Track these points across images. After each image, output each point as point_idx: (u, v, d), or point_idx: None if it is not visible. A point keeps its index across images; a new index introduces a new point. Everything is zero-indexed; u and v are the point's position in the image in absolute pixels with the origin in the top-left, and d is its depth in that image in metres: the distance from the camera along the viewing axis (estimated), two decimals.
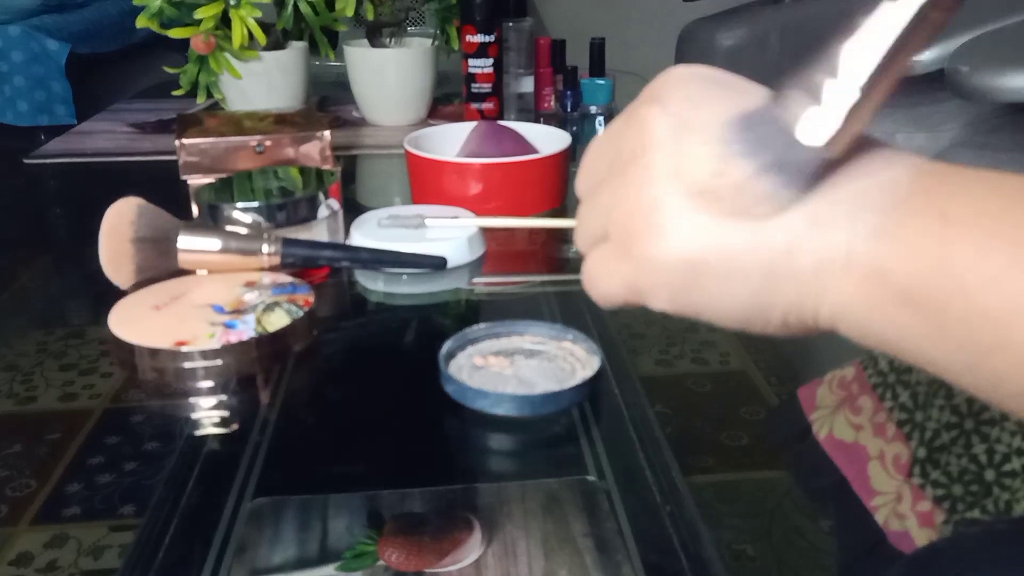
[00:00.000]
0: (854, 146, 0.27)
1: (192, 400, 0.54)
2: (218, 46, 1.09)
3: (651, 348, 0.60)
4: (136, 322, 0.57)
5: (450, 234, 0.71)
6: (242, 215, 0.66)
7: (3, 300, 0.71)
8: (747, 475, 0.47)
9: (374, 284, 0.70)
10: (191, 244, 0.63)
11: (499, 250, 0.76)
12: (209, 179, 0.73)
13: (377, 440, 0.50)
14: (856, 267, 0.25)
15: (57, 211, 1.02)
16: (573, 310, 0.65)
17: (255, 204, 0.66)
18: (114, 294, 0.62)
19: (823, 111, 0.25)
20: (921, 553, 0.40)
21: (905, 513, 0.42)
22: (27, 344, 0.63)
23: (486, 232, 0.75)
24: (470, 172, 0.81)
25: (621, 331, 0.62)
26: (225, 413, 0.53)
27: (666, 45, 2.06)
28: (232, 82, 1.12)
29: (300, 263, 0.66)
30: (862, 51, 0.24)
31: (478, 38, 1.09)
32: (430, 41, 1.23)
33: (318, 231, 0.69)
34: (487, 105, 1.12)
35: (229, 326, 0.56)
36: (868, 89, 0.24)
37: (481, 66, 1.10)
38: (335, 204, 0.71)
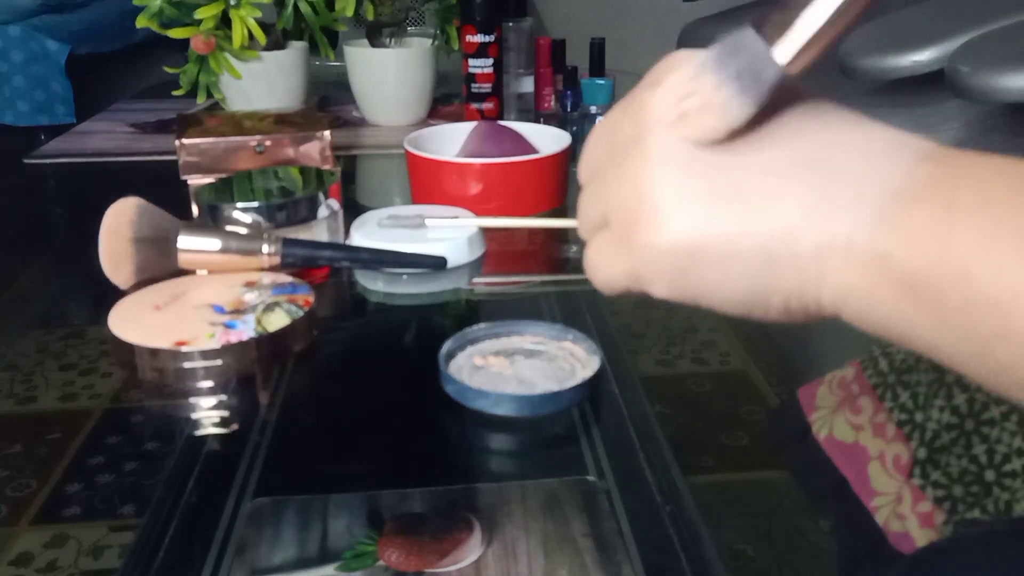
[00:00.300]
0: (860, 128, 0.26)
1: (192, 400, 0.54)
2: (218, 46, 1.09)
3: (651, 348, 0.60)
4: (136, 322, 0.57)
5: (450, 234, 0.71)
6: (242, 215, 0.66)
7: (3, 300, 0.71)
8: (747, 475, 0.47)
9: (374, 284, 0.70)
10: (191, 244, 0.63)
11: (499, 250, 0.76)
12: (209, 179, 0.73)
13: (377, 440, 0.50)
14: (858, 253, 0.25)
15: (57, 211, 1.02)
16: (573, 310, 0.65)
17: (255, 204, 0.66)
18: (114, 294, 0.62)
19: (791, 33, 0.25)
20: (921, 553, 0.40)
21: (905, 514, 0.42)
22: (27, 344, 0.63)
23: (486, 232, 0.75)
24: (470, 172, 0.81)
25: (621, 331, 0.62)
26: (225, 413, 0.53)
27: (666, 45, 2.05)
28: (232, 82, 1.12)
29: (300, 263, 0.66)
30: None
31: (478, 38, 1.09)
32: (430, 41, 1.23)
33: (318, 231, 0.69)
34: (487, 105, 1.12)
35: (229, 326, 0.56)
36: (834, 16, 0.24)
37: (481, 66, 1.10)
38: (335, 204, 0.71)
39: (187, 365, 0.55)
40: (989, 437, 0.45)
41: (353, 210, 0.75)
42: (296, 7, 1.16)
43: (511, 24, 1.17)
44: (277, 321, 0.57)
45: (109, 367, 0.58)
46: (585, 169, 0.32)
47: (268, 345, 0.56)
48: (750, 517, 0.43)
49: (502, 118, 1.14)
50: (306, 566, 0.39)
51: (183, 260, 0.63)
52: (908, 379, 0.51)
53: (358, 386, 0.56)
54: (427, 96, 1.23)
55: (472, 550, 0.40)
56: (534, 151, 0.85)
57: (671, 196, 0.27)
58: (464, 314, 0.68)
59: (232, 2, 1.06)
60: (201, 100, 1.13)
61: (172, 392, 0.55)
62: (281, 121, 0.82)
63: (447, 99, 1.34)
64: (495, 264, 0.74)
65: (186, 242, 0.63)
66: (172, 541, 0.41)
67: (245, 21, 1.06)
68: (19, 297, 0.72)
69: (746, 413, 0.53)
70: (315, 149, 0.78)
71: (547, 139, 0.89)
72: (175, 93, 1.12)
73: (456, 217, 0.73)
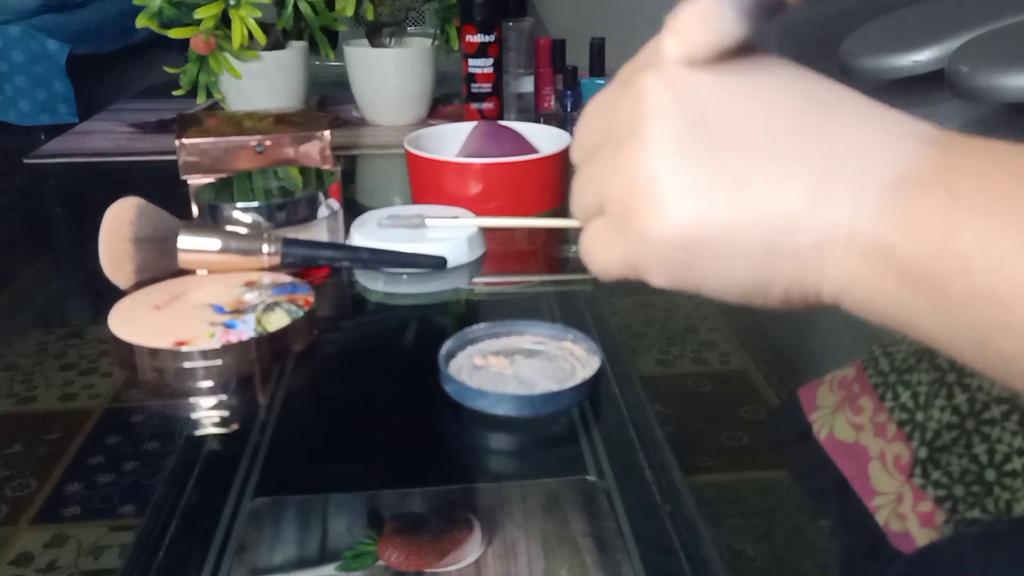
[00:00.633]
0: (864, 110, 0.26)
1: (192, 400, 0.54)
2: (218, 46, 1.09)
3: (651, 348, 0.60)
4: (136, 322, 0.57)
5: (450, 234, 0.71)
6: (242, 215, 0.66)
7: (3, 300, 0.71)
8: (747, 475, 0.47)
9: (374, 284, 0.70)
10: (191, 244, 0.63)
11: (499, 250, 0.76)
12: (209, 179, 0.73)
13: (377, 440, 0.50)
14: (859, 244, 0.25)
15: (57, 211, 1.02)
16: (573, 310, 0.65)
17: (255, 204, 0.66)
18: (114, 294, 0.62)
19: None
20: (922, 553, 0.40)
21: (906, 513, 0.42)
22: (27, 344, 0.62)
23: (486, 232, 0.75)
24: (470, 172, 0.81)
25: (621, 331, 0.62)
26: (225, 413, 0.53)
27: None
28: (232, 82, 1.12)
29: (300, 263, 0.66)
30: None
31: (478, 38, 1.09)
32: (430, 41, 1.23)
33: (318, 231, 0.69)
34: (487, 105, 1.12)
35: (229, 326, 0.56)
36: None
37: (481, 66, 1.10)
38: (335, 204, 0.71)
39: (187, 365, 0.55)
40: (990, 437, 0.45)
41: (353, 210, 0.75)
42: (296, 7, 1.16)
43: (511, 24, 1.17)
44: (277, 321, 0.57)
45: (109, 367, 0.58)
46: (578, 150, 0.32)
47: (268, 345, 0.56)
48: (750, 517, 0.43)
49: (502, 118, 1.14)
50: (306, 566, 0.39)
51: (183, 260, 0.63)
52: (909, 379, 0.51)
53: (358, 386, 0.56)
54: (427, 96, 1.23)
55: (472, 550, 0.40)
56: (534, 151, 0.85)
57: (669, 186, 0.26)
58: (464, 314, 0.68)
59: (232, 2, 1.06)
60: (201, 100, 1.13)
61: (172, 392, 0.55)
62: (281, 121, 0.82)
63: (447, 99, 1.34)
64: (495, 264, 0.74)
65: (186, 242, 0.63)
66: (172, 541, 0.41)
67: (245, 21, 1.06)
68: (19, 297, 0.72)
69: (746, 413, 0.53)
70: (315, 149, 0.78)
71: (547, 139, 0.89)
72: (175, 93, 1.12)
73: (456, 217, 0.73)
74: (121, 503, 0.44)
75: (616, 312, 0.65)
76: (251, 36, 1.08)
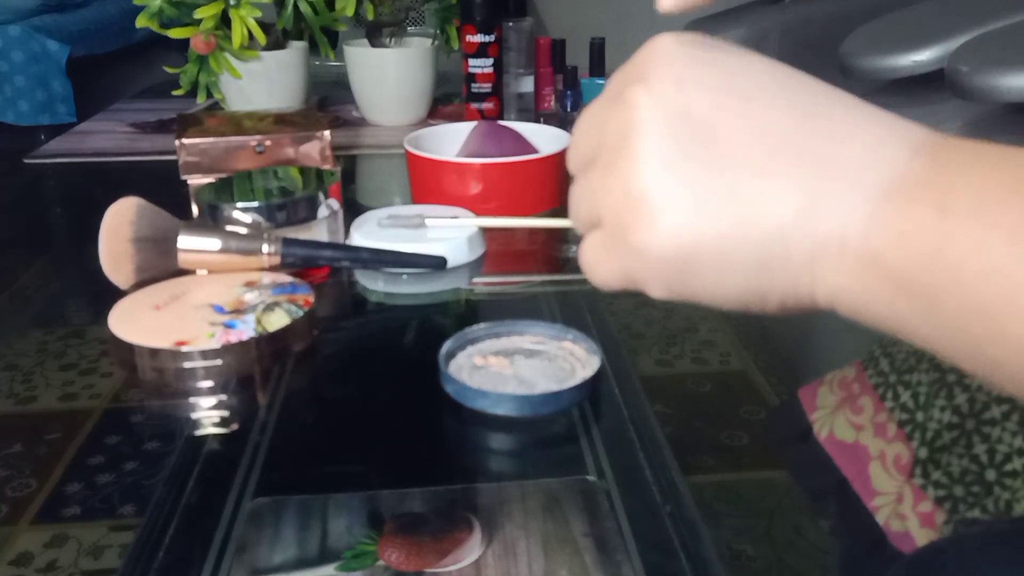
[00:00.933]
0: (855, 113, 0.26)
1: (192, 400, 0.54)
2: (218, 46, 1.09)
3: (651, 348, 0.60)
4: (136, 322, 0.57)
5: (450, 234, 0.71)
6: (242, 215, 0.66)
7: (3, 300, 0.71)
8: (747, 475, 0.47)
9: (374, 284, 0.70)
10: (191, 244, 0.63)
11: (499, 250, 0.76)
12: (209, 179, 0.73)
13: (377, 440, 0.50)
14: (851, 254, 0.25)
15: (57, 211, 1.02)
16: (573, 310, 0.65)
17: (255, 204, 0.66)
18: (114, 294, 0.62)
19: None
20: (922, 553, 0.40)
21: (906, 513, 0.42)
22: (27, 344, 0.62)
23: (486, 232, 0.75)
24: (470, 172, 0.81)
25: (621, 331, 0.62)
26: (225, 413, 0.53)
27: None
28: (232, 82, 1.12)
29: (300, 263, 0.66)
30: None
31: (478, 38, 1.09)
32: (430, 41, 1.23)
33: (318, 231, 0.69)
34: (487, 105, 1.12)
35: (229, 326, 0.56)
36: None
37: (481, 66, 1.10)
38: (335, 204, 0.71)
39: (187, 365, 0.55)
40: (990, 437, 0.45)
41: (353, 210, 0.75)
42: (296, 7, 1.16)
43: (511, 24, 1.17)
44: (277, 321, 0.57)
45: (109, 367, 0.58)
46: (573, 161, 0.32)
47: (268, 345, 0.56)
48: (750, 517, 0.43)
49: (502, 118, 1.14)
50: (306, 566, 0.39)
51: (183, 260, 0.63)
52: (909, 379, 0.51)
53: (358, 386, 0.56)
54: (427, 96, 1.23)
55: (472, 550, 0.40)
56: (534, 151, 0.85)
57: (661, 201, 0.27)
58: (464, 314, 0.68)
59: (232, 2, 1.06)
60: (201, 100, 1.13)
61: (172, 392, 0.55)
62: (281, 121, 0.82)
63: (447, 99, 1.34)
64: (495, 264, 0.74)
65: (186, 242, 0.63)
66: (172, 541, 0.41)
67: (245, 21, 1.06)
68: (19, 297, 0.72)
69: (746, 413, 0.53)
70: (315, 149, 0.78)
71: (547, 139, 0.89)
72: (175, 93, 1.12)
73: (456, 217, 0.73)
74: (121, 503, 0.44)
75: (616, 312, 0.65)
76: (251, 36, 1.08)
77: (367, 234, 0.71)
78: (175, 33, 1.07)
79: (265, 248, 0.64)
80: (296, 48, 1.17)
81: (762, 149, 0.26)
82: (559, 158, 0.83)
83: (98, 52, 1.74)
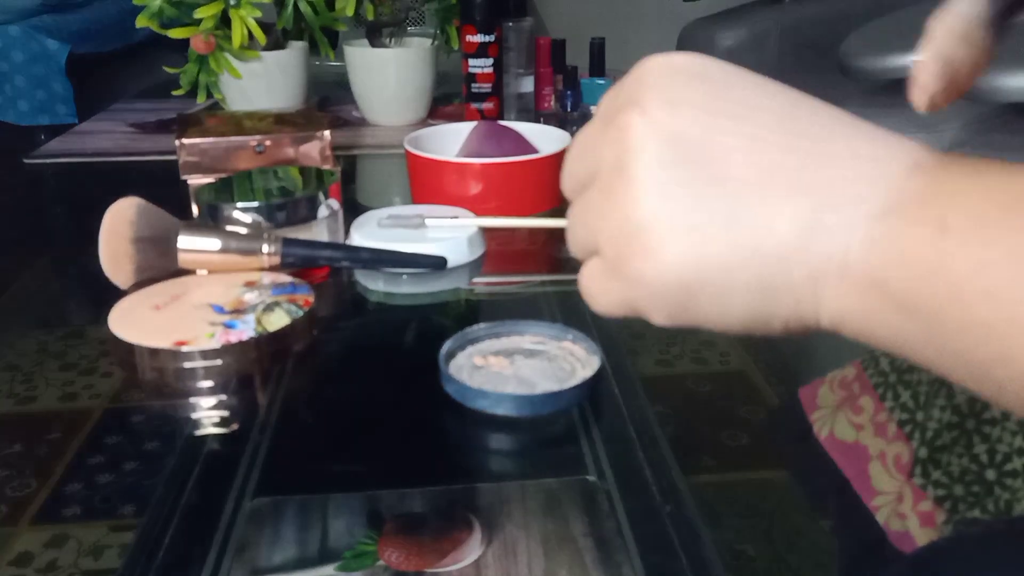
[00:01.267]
0: (850, 131, 0.26)
1: (192, 400, 0.54)
2: (218, 46, 1.09)
3: (651, 348, 0.60)
4: (136, 322, 0.57)
5: (450, 234, 0.71)
6: (242, 215, 0.66)
7: (3, 300, 0.71)
8: (747, 475, 0.47)
9: (374, 284, 0.70)
10: (191, 244, 0.63)
11: (499, 250, 0.76)
12: (209, 179, 0.73)
13: (377, 440, 0.50)
14: (852, 276, 0.25)
15: (57, 211, 1.02)
16: (573, 310, 0.65)
17: (255, 204, 0.66)
18: (114, 294, 0.62)
19: None
20: (922, 553, 0.40)
21: (906, 513, 0.42)
22: (27, 344, 0.62)
23: (486, 232, 0.75)
24: (470, 172, 0.81)
25: (621, 331, 0.62)
26: (225, 413, 0.53)
27: (666, 45, 2.06)
28: (232, 82, 1.12)
29: (300, 263, 0.66)
30: None
31: (478, 38, 1.09)
32: (430, 41, 1.23)
33: (318, 231, 0.69)
34: (487, 105, 1.12)
35: (229, 326, 0.56)
36: None
37: (481, 66, 1.10)
38: (335, 204, 0.71)
39: (187, 365, 0.55)
40: (990, 436, 0.45)
41: (353, 210, 0.75)
42: (296, 7, 1.16)
43: (511, 24, 1.17)
44: (277, 321, 0.57)
45: (109, 367, 0.58)
46: (568, 184, 0.32)
47: (268, 345, 0.56)
48: (750, 517, 0.43)
49: (502, 118, 1.14)
50: (306, 566, 0.39)
51: (183, 260, 0.63)
52: (909, 378, 0.51)
53: (358, 386, 0.56)
54: (427, 96, 1.23)
55: (472, 550, 0.40)
56: (534, 151, 0.85)
57: (660, 229, 0.26)
58: (464, 314, 0.68)
59: (232, 2, 1.06)
60: (201, 100, 1.13)
61: (172, 392, 0.55)
62: (281, 121, 0.82)
63: (447, 99, 1.34)
64: (495, 264, 0.74)
65: (186, 242, 0.63)
66: (172, 541, 0.41)
67: (245, 21, 1.06)
68: (19, 297, 0.72)
69: (746, 413, 0.53)
70: (315, 149, 0.78)
71: (547, 139, 0.89)
72: (175, 93, 1.12)
73: (456, 217, 0.73)
74: (121, 503, 0.44)
75: None
76: (251, 36, 1.08)
77: (367, 234, 0.71)
78: (175, 33, 1.07)
79: (265, 248, 0.64)
80: (296, 48, 1.17)
81: (760, 170, 0.26)
82: (559, 158, 0.83)
83: (98, 52, 1.74)
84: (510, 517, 0.42)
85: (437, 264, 0.69)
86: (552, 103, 1.28)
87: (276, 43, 1.16)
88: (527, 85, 1.22)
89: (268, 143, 0.77)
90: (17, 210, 0.97)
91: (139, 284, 0.63)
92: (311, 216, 0.68)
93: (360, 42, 1.23)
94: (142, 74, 1.65)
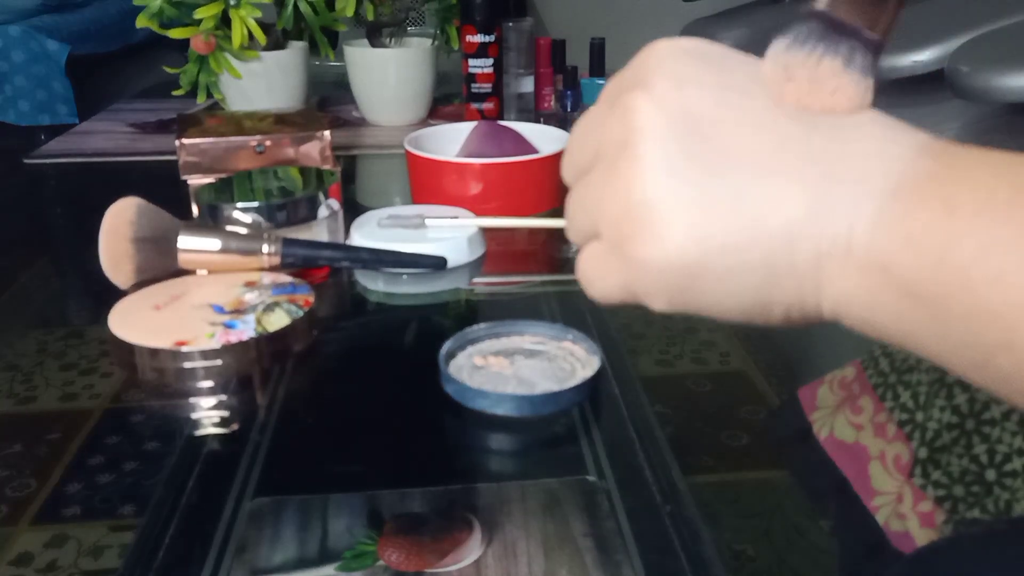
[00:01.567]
0: (854, 120, 0.26)
1: (192, 400, 0.54)
2: (218, 46, 1.09)
3: (651, 348, 0.60)
4: (136, 322, 0.57)
5: (450, 234, 0.71)
6: (242, 215, 0.66)
7: (3, 300, 0.71)
8: (747, 475, 0.47)
9: (374, 284, 0.70)
10: (191, 244, 0.63)
11: (499, 250, 0.76)
12: (209, 179, 0.73)
13: (377, 440, 0.50)
14: (857, 258, 0.24)
15: (57, 211, 1.02)
16: (573, 310, 0.65)
17: (255, 204, 0.66)
18: (114, 294, 0.62)
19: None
20: (921, 553, 0.40)
21: (906, 513, 0.42)
22: (27, 344, 0.62)
23: (486, 232, 0.75)
24: (470, 172, 0.81)
25: (621, 331, 0.62)
26: (225, 413, 0.53)
27: None
28: (232, 82, 1.12)
29: (300, 263, 0.66)
30: None
31: (478, 38, 1.09)
32: (430, 41, 1.23)
33: (318, 231, 0.69)
34: (487, 105, 1.12)
35: (229, 326, 0.56)
36: None
37: (481, 66, 1.10)
38: (335, 204, 0.71)
39: (187, 365, 0.55)
40: (990, 437, 0.45)
41: (353, 210, 0.75)
42: (296, 7, 1.16)
43: (511, 24, 1.17)
44: (277, 321, 0.57)
45: (109, 367, 0.58)
46: (568, 171, 0.31)
47: (268, 345, 0.56)
48: (750, 517, 0.43)
49: (502, 118, 1.14)
50: (306, 566, 0.39)
51: (183, 260, 0.63)
52: (909, 379, 0.51)
53: (358, 386, 0.56)
54: (427, 96, 1.23)
55: (472, 550, 0.40)
56: (534, 151, 0.85)
57: (665, 209, 0.26)
58: (464, 314, 0.68)
59: (232, 2, 1.06)
60: (201, 100, 1.13)
61: (172, 392, 0.55)
62: (281, 121, 0.82)
63: (447, 99, 1.34)
64: (495, 264, 0.74)
65: (186, 242, 0.63)
66: (172, 541, 0.41)
67: (245, 21, 1.06)
68: (19, 297, 0.72)
69: (746, 413, 0.53)
70: (315, 149, 0.78)
71: (547, 139, 0.89)
72: (175, 93, 1.12)
73: (456, 217, 0.73)
74: (121, 503, 0.44)
75: (616, 312, 0.65)
76: (251, 36, 1.08)
77: (367, 234, 0.71)
78: (175, 33, 1.07)
79: (265, 248, 0.64)
80: (296, 48, 1.17)
81: (767, 147, 0.26)
82: (559, 158, 0.82)
83: (98, 52, 1.74)
84: (510, 517, 0.42)
85: (437, 264, 0.69)
86: (552, 103, 1.28)
87: (276, 43, 1.16)
88: (527, 85, 1.22)
89: (268, 143, 0.77)
90: (17, 210, 0.97)
91: (139, 284, 0.63)
92: (311, 216, 0.68)
93: (360, 42, 1.23)
94: (142, 74, 1.65)
